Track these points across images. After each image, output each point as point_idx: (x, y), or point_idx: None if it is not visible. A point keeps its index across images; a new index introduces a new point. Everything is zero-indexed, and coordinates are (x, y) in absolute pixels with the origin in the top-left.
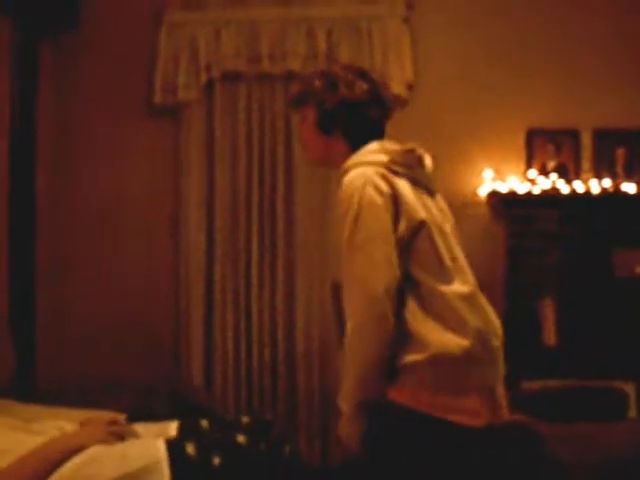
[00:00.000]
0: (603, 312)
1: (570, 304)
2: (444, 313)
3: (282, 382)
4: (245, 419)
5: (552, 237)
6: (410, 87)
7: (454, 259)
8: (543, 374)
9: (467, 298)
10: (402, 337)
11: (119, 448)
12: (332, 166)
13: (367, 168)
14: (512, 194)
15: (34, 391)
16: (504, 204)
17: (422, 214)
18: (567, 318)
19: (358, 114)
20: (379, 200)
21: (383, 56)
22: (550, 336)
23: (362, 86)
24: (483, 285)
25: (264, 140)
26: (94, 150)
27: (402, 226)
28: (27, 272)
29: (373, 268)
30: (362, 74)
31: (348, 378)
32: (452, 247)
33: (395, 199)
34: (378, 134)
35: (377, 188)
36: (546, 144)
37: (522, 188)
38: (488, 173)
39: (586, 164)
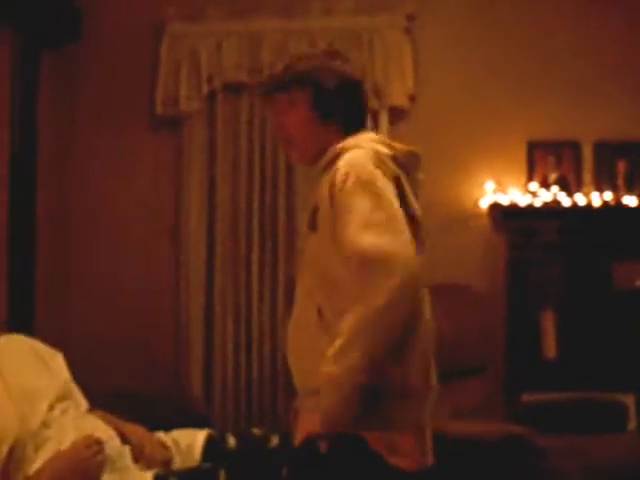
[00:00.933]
0: (603, 324)
1: (570, 316)
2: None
3: (281, 393)
4: (275, 439)
5: (553, 249)
6: (411, 98)
7: None
8: (543, 386)
9: (427, 322)
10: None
11: None
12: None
13: (368, 152)
14: (513, 206)
15: None
16: (505, 216)
17: (418, 212)
18: (567, 330)
19: (356, 94)
20: (389, 184)
21: (384, 67)
22: (550, 348)
23: (351, 66)
24: (483, 297)
25: (265, 151)
26: (95, 162)
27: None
28: (27, 286)
29: (404, 244)
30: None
31: (356, 353)
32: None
33: (399, 191)
34: (365, 119)
35: (386, 172)
36: (547, 156)
37: (523, 200)
38: (489, 185)
39: (587, 176)
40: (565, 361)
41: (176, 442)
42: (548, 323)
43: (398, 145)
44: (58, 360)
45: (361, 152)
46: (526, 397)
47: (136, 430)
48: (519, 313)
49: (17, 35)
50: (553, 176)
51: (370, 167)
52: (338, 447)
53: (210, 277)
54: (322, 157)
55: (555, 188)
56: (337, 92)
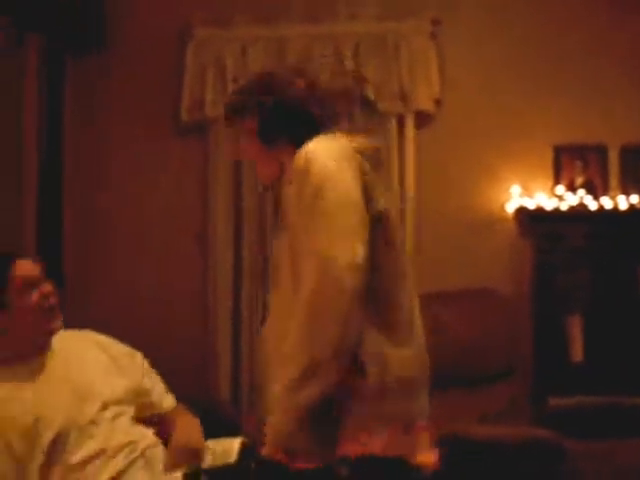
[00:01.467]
0: (630, 328)
1: (597, 320)
2: (396, 323)
3: None
4: None
5: (579, 253)
6: (437, 102)
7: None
8: (570, 390)
9: (415, 309)
10: None
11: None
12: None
13: (330, 143)
14: (540, 210)
15: None
16: (532, 220)
17: (385, 203)
18: (594, 334)
19: (298, 113)
20: (348, 172)
21: (410, 72)
22: (577, 352)
23: (299, 83)
24: (510, 301)
25: None
26: (122, 168)
27: (368, 209)
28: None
29: (342, 238)
30: (300, 72)
31: (297, 366)
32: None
33: (364, 180)
34: (319, 127)
35: (347, 160)
36: (574, 160)
37: (550, 204)
38: (516, 189)
39: (613, 180)
40: (592, 365)
41: (212, 450)
42: (575, 327)
43: (360, 139)
44: (136, 360)
45: (323, 145)
46: (553, 401)
47: (188, 442)
48: (546, 317)
49: (42, 45)
50: (579, 180)
51: (319, 167)
52: (359, 470)
53: (238, 281)
54: (281, 174)
55: (581, 192)
56: (273, 115)
